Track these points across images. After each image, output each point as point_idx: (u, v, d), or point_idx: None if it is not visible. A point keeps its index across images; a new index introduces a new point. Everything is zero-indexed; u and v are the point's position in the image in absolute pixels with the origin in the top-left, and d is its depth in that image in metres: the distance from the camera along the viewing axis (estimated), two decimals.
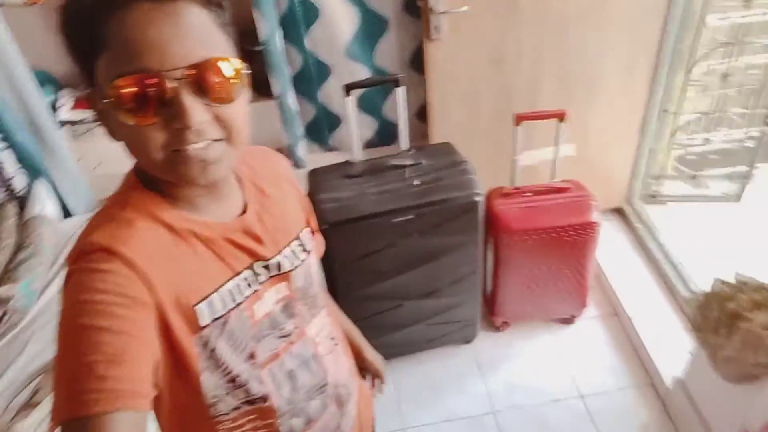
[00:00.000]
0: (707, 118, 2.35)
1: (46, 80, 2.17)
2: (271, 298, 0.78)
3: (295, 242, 0.83)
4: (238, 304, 0.72)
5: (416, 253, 1.77)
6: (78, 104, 2.18)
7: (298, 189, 0.90)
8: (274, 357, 0.79)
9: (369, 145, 2.30)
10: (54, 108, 2.13)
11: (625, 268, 2.27)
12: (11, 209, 2.05)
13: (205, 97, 0.60)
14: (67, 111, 2.15)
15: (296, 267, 0.81)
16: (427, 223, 1.70)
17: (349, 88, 1.72)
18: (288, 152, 2.19)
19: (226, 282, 0.71)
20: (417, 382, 2.04)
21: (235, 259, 0.73)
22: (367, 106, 2.19)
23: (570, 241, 1.89)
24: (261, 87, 2.17)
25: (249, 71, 0.65)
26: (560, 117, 1.85)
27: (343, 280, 1.77)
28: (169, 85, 0.58)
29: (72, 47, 0.62)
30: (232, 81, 0.62)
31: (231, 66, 0.62)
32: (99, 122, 0.67)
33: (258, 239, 0.76)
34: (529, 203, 1.92)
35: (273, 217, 0.79)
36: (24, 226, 2.00)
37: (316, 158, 2.28)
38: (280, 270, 0.79)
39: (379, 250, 1.73)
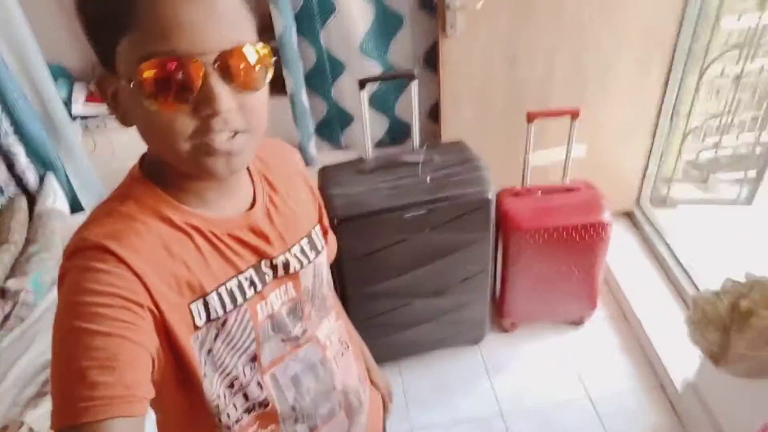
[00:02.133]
0: (719, 122, 2.34)
1: (61, 74, 2.17)
2: (277, 299, 0.75)
3: (305, 240, 0.80)
4: (239, 305, 0.70)
5: (427, 249, 1.76)
6: (91, 98, 2.19)
7: (311, 185, 0.87)
8: (278, 361, 0.77)
9: (380, 144, 2.29)
10: (67, 102, 2.14)
11: (635, 271, 2.25)
12: (22, 203, 2.05)
13: (232, 83, 0.59)
14: (80, 105, 2.16)
15: (305, 266, 0.78)
16: (438, 219, 1.70)
17: (363, 83, 1.72)
18: (299, 149, 2.19)
19: (227, 281, 0.69)
20: (425, 383, 2.03)
21: (238, 257, 0.70)
22: (379, 104, 2.19)
23: (580, 242, 1.88)
24: (274, 83, 2.18)
25: (275, 58, 0.64)
26: (573, 115, 1.84)
27: (353, 276, 1.77)
28: (201, 69, 0.56)
29: (92, 26, 0.59)
30: (260, 68, 0.61)
31: (260, 53, 0.61)
32: (110, 107, 0.64)
33: (265, 237, 0.73)
34: (540, 203, 1.92)
35: (282, 214, 0.76)
36: (34, 219, 2.01)
37: (327, 156, 2.27)
38: (287, 270, 0.76)
39: (390, 246, 1.73)
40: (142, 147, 0.68)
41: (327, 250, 0.87)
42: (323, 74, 2.08)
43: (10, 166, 2.03)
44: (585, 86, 2.11)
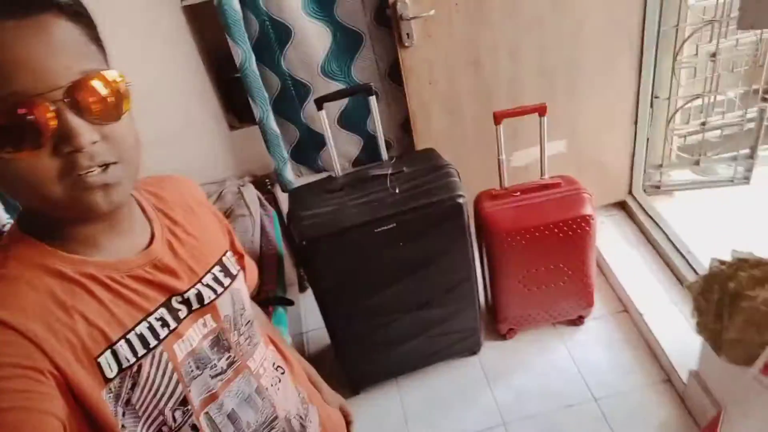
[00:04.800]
0: (703, 102, 2.27)
1: None
2: (196, 334, 0.72)
3: (217, 267, 0.77)
4: (153, 348, 0.66)
5: (404, 263, 1.72)
6: None
7: (215, 213, 0.86)
8: (212, 399, 0.73)
9: (357, 162, 2.27)
10: None
11: (632, 263, 2.18)
12: None
13: (90, 115, 0.56)
14: None
15: (220, 294, 0.76)
16: (410, 230, 1.66)
17: (319, 102, 1.71)
18: (276, 176, 2.18)
19: (136, 325, 0.65)
20: (424, 398, 1.97)
21: (144, 298, 0.67)
22: (351, 123, 2.17)
23: (565, 238, 1.83)
24: (244, 113, 2.19)
25: (130, 83, 0.62)
26: (540, 111, 1.80)
27: (331, 297, 1.73)
28: (50, 107, 0.54)
29: None
30: (115, 96, 0.59)
31: (112, 82, 0.59)
32: None
33: (171, 271, 0.70)
34: (519, 203, 1.87)
35: (186, 245, 0.74)
36: None
37: (306, 180, 2.26)
38: (202, 302, 0.73)
39: (365, 263, 1.69)
40: None
41: (245, 274, 0.85)
42: (290, 99, 2.08)
43: None
44: (554, 81, 2.07)
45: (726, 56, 2.15)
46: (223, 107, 2.19)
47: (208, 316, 0.74)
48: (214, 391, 0.73)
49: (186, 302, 0.71)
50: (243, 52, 1.89)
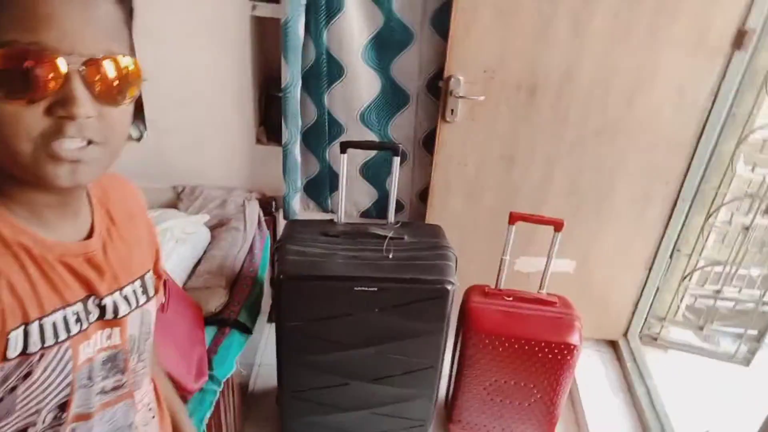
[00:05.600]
0: (724, 270, 2.21)
1: None
2: (99, 342, 0.67)
3: (138, 282, 0.73)
4: (60, 341, 0.61)
5: (373, 330, 1.64)
6: None
7: (150, 227, 0.82)
8: (85, 416, 0.67)
9: (365, 214, 2.24)
10: None
11: (606, 407, 2.06)
12: None
13: (95, 92, 0.55)
14: None
15: (133, 310, 0.71)
16: (390, 300, 1.59)
17: (344, 146, 1.69)
18: (282, 202, 2.15)
19: (53, 312, 0.60)
20: None
21: (67, 288, 0.62)
22: (372, 175, 2.15)
23: (544, 359, 1.74)
24: (274, 132, 2.18)
25: (145, 79, 0.61)
26: (557, 226, 1.75)
27: (291, 340, 1.66)
28: (61, 69, 0.53)
29: None
30: (122, 81, 0.58)
31: (132, 66, 0.59)
32: None
33: (100, 270, 0.66)
34: (508, 308, 1.79)
35: (118, 251, 0.70)
36: None
37: (310, 216, 2.23)
38: (115, 313, 0.68)
39: (335, 317, 1.62)
40: None
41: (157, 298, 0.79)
42: (321, 134, 2.07)
43: None
44: (580, 203, 2.03)
45: (759, 233, 2.10)
46: (257, 120, 2.19)
47: (115, 329, 0.69)
48: (92, 409, 0.67)
49: (100, 307, 0.67)
50: (292, 76, 1.90)
